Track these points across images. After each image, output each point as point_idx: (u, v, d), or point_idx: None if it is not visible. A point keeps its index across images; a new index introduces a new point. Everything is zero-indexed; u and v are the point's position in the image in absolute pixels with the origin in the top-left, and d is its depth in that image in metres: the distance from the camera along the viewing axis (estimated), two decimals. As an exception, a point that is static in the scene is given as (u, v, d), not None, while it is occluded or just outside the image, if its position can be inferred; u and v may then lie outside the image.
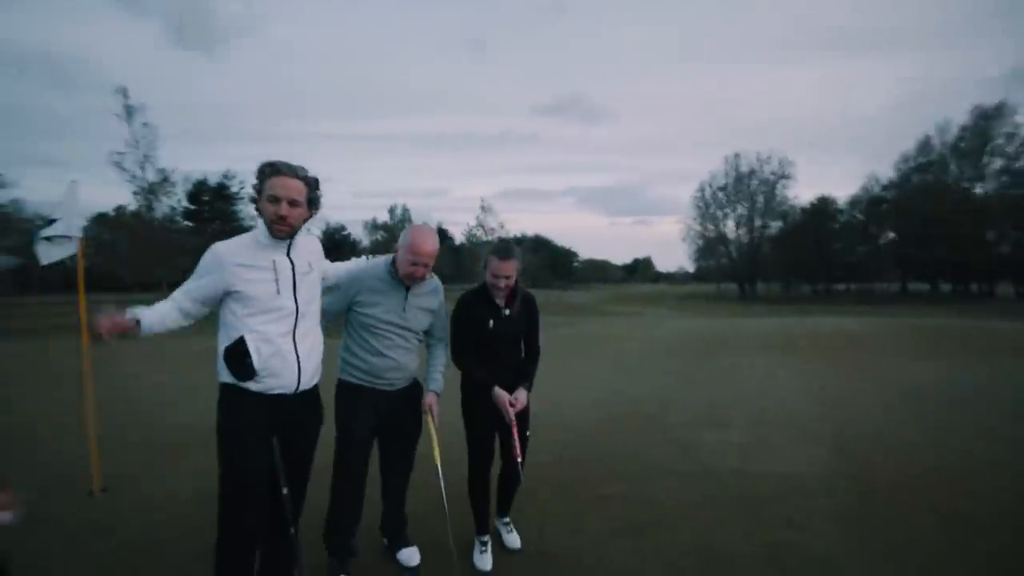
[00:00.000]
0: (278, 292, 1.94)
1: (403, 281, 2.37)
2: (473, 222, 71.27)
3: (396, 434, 2.51)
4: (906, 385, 6.84)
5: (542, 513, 3.14)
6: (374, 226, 66.92)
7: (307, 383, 2.03)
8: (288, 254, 2.00)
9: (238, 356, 1.87)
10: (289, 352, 1.96)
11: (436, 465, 2.40)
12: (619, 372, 8.20)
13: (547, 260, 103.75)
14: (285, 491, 1.96)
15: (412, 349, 2.48)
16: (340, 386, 2.42)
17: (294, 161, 1.96)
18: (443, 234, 73.78)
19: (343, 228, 59.18)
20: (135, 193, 29.98)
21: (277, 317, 1.94)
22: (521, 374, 2.60)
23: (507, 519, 2.83)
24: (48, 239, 3.37)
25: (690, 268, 62.51)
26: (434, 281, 2.54)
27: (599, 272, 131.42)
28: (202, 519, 2.62)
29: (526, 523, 2.93)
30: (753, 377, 7.58)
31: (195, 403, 5.80)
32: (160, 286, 27.53)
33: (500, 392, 2.45)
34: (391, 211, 68.96)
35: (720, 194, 61.25)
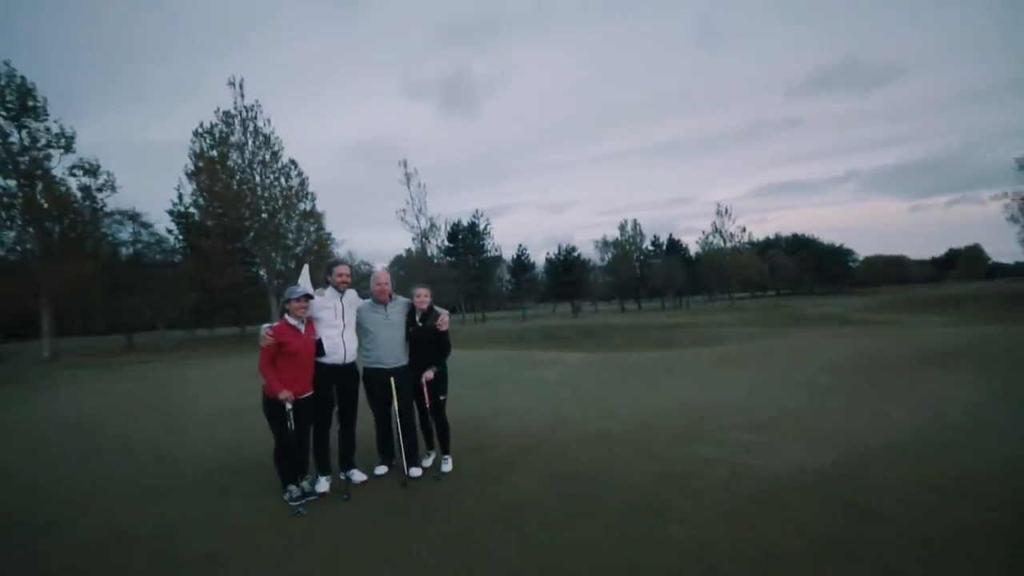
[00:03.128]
0: (334, 315, 4.12)
1: (380, 301, 4.26)
2: (709, 228, 67.25)
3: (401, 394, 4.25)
4: None
5: (495, 458, 4.50)
6: (604, 244, 69.40)
7: (350, 358, 4.11)
8: (341, 299, 4.17)
9: (318, 346, 4.06)
10: (340, 344, 4.08)
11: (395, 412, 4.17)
12: (746, 384, 8.20)
13: (810, 262, 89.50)
14: (336, 409, 4.09)
15: (398, 341, 4.28)
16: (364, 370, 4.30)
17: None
18: (674, 245, 71.94)
19: (574, 249, 63.68)
20: (413, 239, 39.86)
21: (334, 327, 4.10)
22: (432, 359, 4.25)
23: (446, 456, 4.37)
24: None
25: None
26: (401, 299, 4.39)
27: (892, 271, 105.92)
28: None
29: (481, 464, 4.44)
30: (896, 392, 6.74)
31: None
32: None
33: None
34: (621, 227, 70.41)
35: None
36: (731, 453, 4.48)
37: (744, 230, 66.40)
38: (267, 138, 27.76)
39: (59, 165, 23.59)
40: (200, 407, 8.18)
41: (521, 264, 61.19)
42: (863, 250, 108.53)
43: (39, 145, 22.94)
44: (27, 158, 22.57)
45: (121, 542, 3.29)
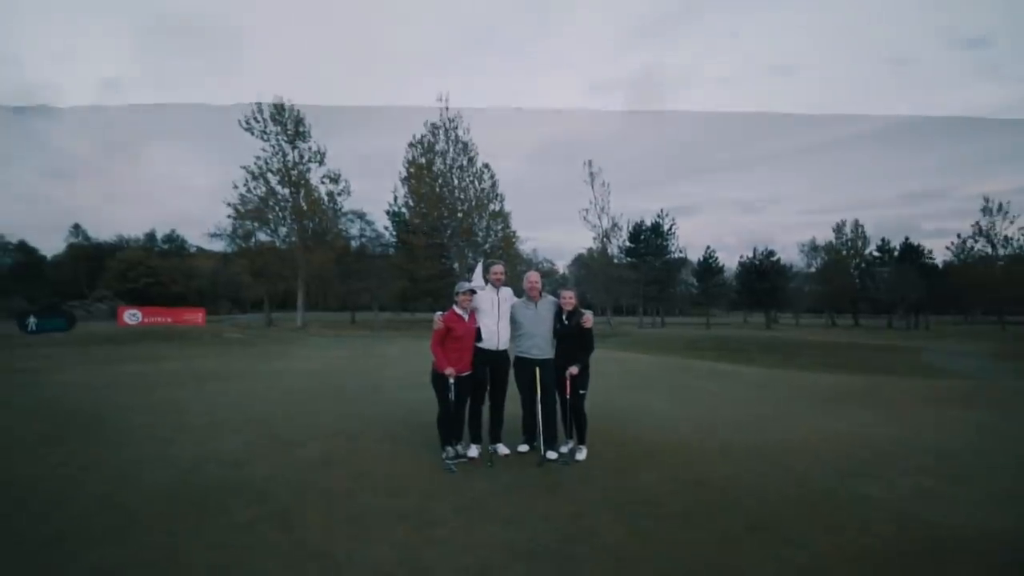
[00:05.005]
0: (491, 307, 4.81)
1: (532, 298, 4.81)
2: (967, 231, 52.30)
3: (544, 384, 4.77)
4: None
5: (629, 456, 4.63)
6: (812, 248, 60.34)
7: (503, 346, 4.80)
8: (497, 294, 4.84)
9: (477, 332, 4.81)
10: (495, 332, 4.77)
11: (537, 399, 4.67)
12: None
13: None
14: (488, 389, 4.78)
15: (546, 336, 4.77)
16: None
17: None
18: (911, 251, 58.62)
19: (772, 253, 56.68)
20: (594, 238, 40.41)
21: (491, 317, 4.80)
22: (575, 356, 4.61)
23: (582, 445, 4.70)
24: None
25: None
26: (550, 297, 4.85)
27: None
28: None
29: (614, 458, 4.66)
30: None
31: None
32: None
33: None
34: (837, 229, 60.28)
35: None
36: (900, 497, 3.91)
37: (1024, 230, 49.14)
38: (465, 145, 31.25)
39: (314, 175, 30.30)
40: (395, 374, 9.95)
41: (708, 267, 56.97)
42: None
43: (304, 160, 29.79)
44: (296, 171, 29.49)
45: (330, 463, 4.49)
